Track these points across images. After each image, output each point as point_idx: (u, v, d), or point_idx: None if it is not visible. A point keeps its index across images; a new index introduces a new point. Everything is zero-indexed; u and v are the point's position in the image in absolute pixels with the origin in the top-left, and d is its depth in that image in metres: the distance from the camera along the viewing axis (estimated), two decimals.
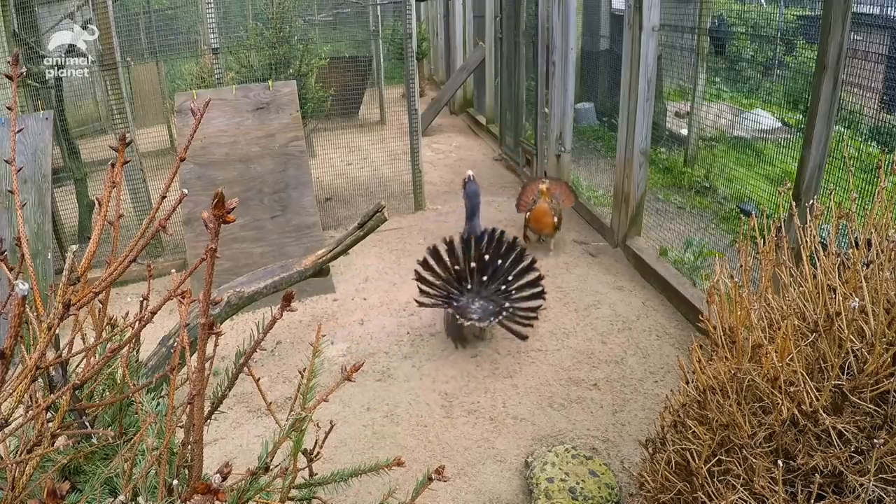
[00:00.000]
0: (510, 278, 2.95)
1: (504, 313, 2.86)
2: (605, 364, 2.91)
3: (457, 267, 2.93)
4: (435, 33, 10.50)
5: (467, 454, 2.40)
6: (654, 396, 2.65)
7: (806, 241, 1.54)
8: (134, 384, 1.09)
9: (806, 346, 1.32)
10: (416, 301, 3.01)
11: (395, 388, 2.83)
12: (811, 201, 1.61)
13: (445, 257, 2.93)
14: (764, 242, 1.62)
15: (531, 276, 2.95)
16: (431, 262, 2.94)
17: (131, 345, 1.16)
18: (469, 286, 2.97)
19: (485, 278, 2.96)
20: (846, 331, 1.23)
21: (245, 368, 0.99)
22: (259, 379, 1.14)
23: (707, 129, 5.02)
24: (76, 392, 1.01)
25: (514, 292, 2.95)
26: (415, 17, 5.70)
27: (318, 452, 1.17)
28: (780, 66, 5.32)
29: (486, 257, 2.92)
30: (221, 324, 3.03)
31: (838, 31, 2.31)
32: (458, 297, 2.96)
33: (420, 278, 2.95)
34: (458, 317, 2.86)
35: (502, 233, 2.96)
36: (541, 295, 2.95)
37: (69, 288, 0.82)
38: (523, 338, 2.94)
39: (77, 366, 1.10)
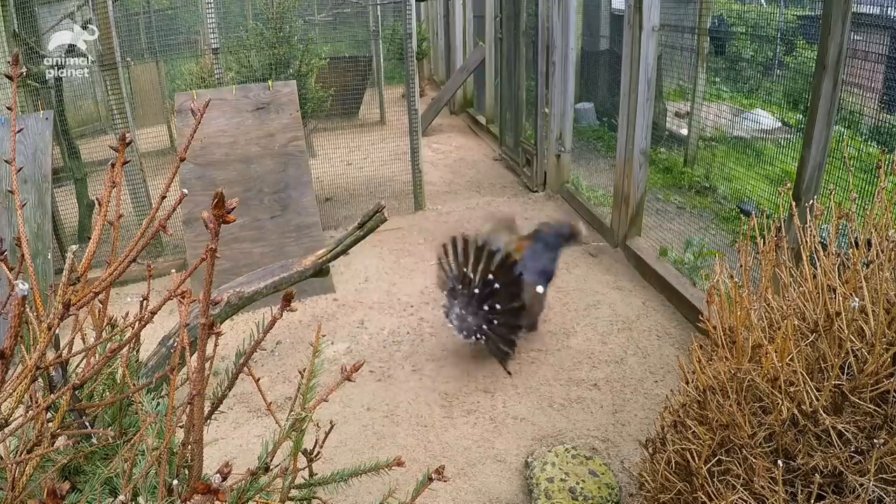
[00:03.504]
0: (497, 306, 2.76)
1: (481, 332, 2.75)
2: (605, 364, 2.91)
3: (464, 269, 2.78)
4: (435, 33, 10.50)
5: (467, 454, 2.40)
6: (654, 396, 2.65)
7: (806, 241, 1.54)
8: (134, 384, 1.09)
9: (806, 346, 1.32)
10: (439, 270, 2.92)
11: (395, 388, 2.83)
12: (811, 201, 1.61)
13: (460, 254, 2.79)
14: (764, 242, 1.62)
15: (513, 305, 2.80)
16: (449, 248, 2.83)
17: (131, 345, 1.16)
18: (461, 293, 2.81)
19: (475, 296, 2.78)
20: (846, 331, 1.23)
21: (245, 368, 0.99)
22: (259, 379, 1.14)
23: (707, 129, 5.02)
24: (76, 392, 1.01)
25: (495, 319, 2.77)
26: (415, 17, 5.70)
27: (318, 452, 1.17)
28: (780, 66, 5.32)
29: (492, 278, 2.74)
30: (221, 324, 3.03)
31: (838, 31, 2.31)
32: (451, 298, 2.85)
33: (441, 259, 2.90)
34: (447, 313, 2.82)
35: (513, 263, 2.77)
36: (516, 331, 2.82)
37: (69, 288, 0.82)
38: (505, 359, 2.85)
39: (77, 366, 1.10)
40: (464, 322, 2.78)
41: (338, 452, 2.42)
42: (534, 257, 3.01)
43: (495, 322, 2.75)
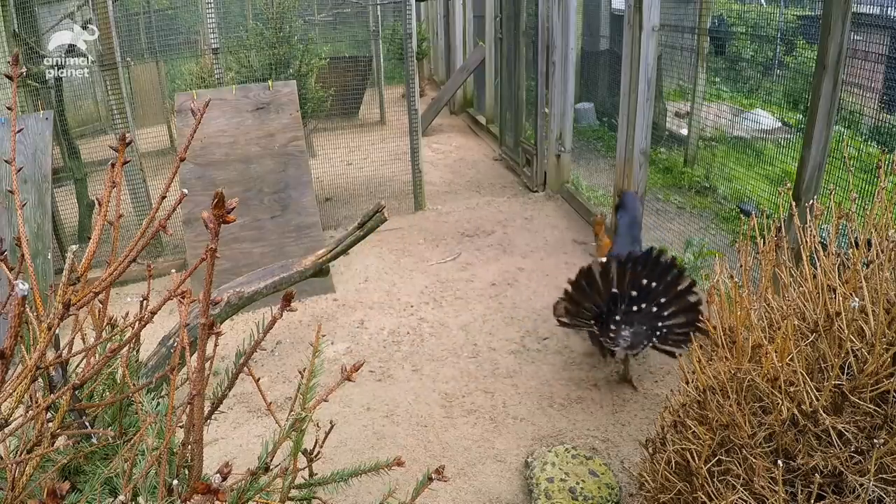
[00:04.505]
0: (663, 301, 2.54)
1: (657, 334, 2.53)
2: (605, 364, 2.90)
3: (613, 290, 2.55)
4: (435, 33, 10.50)
5: (467, 454, 2.40)
6: (653, 396, 2.65)
7: (806, 241, 1.54)
8: (134, 384, 1.09)
9: (806, 346, 1.32)
10: (558, 321, 2.75)
11: (395, 388, 2.83)
12: (811, 201, 1.61)
13: (599, 281, 2.55)
14: (764, 242, 1.62)
15: (690, 299, 2.54)
16: (584, 284, 2.57)
17: (131, 345, 1.16)
18: (619, 314, 2.57)
19: (639, 306, 2.56)
20: (846, 331, 1.23)
21: (245, 368, 0.99)
22: (259, 379, 1.14)
23: (707, 129, 5.02)
24: (76, 392, 1.01)
25: (667, 315, 2.55)
26: (415, 17, 5.70)
27: (318, 452, 1.18)
28: (780, 66, 5.33)
29: (645, 282, 2.53)
30: (221, 324, 3.03)
31: (838, 31, 2.31)
32: (605, 323, 2.59)
33: (569, 298, 2.61)
34: (605, 343, 2.57)
35: (660, 252, 2.56)
36: (696, 321, 2.52)
37: (69, 288, 0.82)
38: (674, 356, 2.58)
39: (77, 366, 1.10)
40: (637, 335, 2.55)
41: (338, 452, 2.42)
42: (623, 232, 2.99)
43: (666, 317, 2.54)
